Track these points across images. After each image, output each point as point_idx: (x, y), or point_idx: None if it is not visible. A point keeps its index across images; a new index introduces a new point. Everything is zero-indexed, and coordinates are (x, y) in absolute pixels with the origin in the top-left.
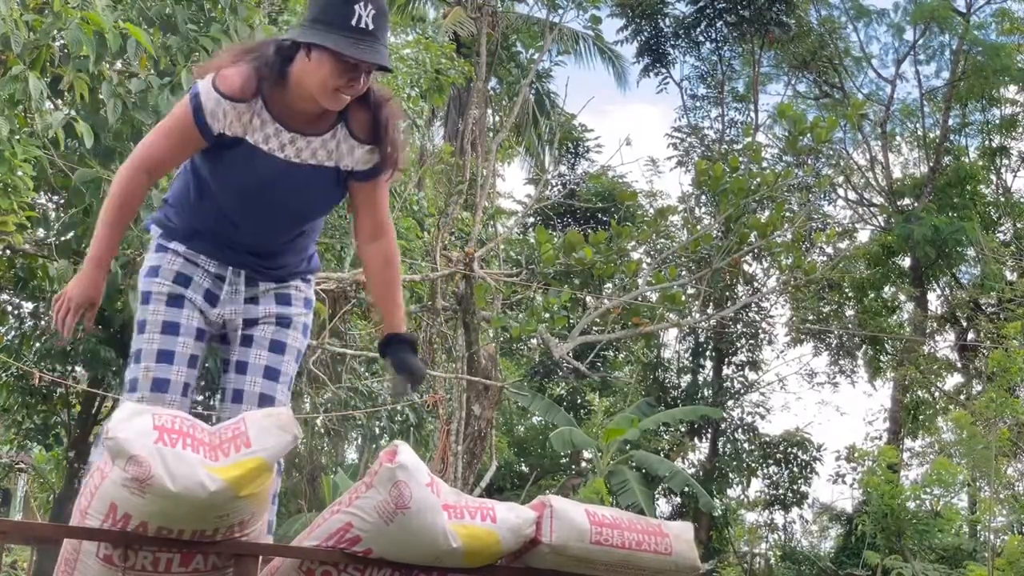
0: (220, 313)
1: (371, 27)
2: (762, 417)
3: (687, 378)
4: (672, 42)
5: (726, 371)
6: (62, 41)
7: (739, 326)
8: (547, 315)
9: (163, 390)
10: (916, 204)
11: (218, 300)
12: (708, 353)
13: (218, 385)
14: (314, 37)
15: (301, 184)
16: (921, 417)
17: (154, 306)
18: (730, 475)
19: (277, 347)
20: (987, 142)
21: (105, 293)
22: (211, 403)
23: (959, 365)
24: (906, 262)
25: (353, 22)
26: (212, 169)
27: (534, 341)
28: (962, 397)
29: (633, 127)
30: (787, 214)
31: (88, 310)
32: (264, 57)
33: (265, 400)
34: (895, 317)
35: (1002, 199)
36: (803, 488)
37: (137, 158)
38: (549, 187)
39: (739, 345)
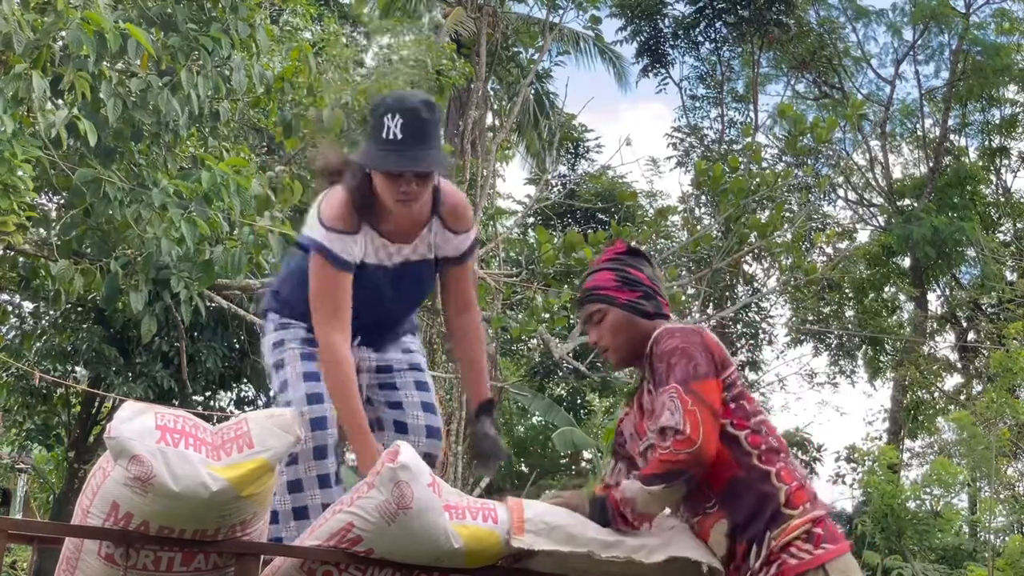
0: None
1: (399, 136)
2: None
3: None
4: (671, 42)
5: None
6: (63, 41)
7: (739, 326)
8: (547, 315)
9: (323, 456)
10: (916, 204)
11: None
12: None
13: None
14: (361, 157)
15: (413, 279)
16: (921, 417)
17: (290, 366)
18: None
19: (423, 386)
20: (987, 142)
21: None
22: (212, 404)
23: (959, 365)
24: (906, 262)
25: (383, 135)
26: None
27: (534, 341)
28: (962, 397)
29: (644, 128)
30: (787, 214)
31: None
32: (353, 183)
33: (433, 432)
34: (895, 317)
35: (1002, 199)
36: None
37: (324, 325)
38: (549, 187)
39: (739, 345)
